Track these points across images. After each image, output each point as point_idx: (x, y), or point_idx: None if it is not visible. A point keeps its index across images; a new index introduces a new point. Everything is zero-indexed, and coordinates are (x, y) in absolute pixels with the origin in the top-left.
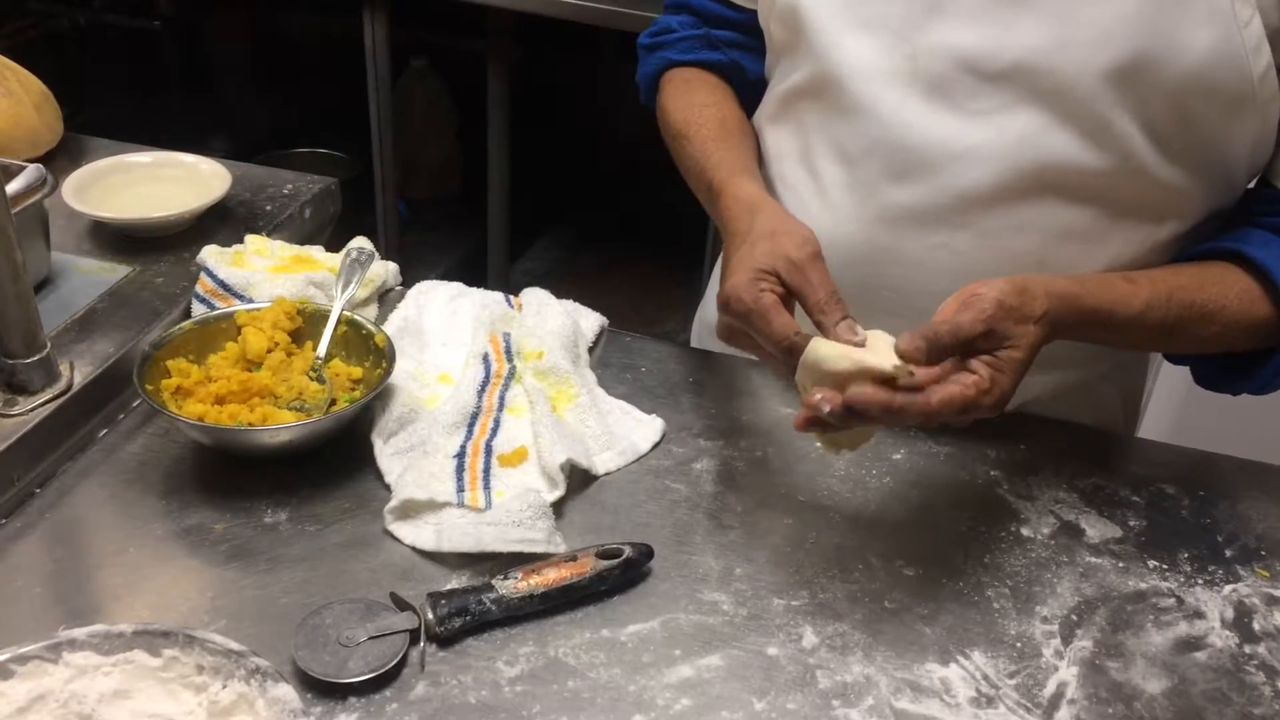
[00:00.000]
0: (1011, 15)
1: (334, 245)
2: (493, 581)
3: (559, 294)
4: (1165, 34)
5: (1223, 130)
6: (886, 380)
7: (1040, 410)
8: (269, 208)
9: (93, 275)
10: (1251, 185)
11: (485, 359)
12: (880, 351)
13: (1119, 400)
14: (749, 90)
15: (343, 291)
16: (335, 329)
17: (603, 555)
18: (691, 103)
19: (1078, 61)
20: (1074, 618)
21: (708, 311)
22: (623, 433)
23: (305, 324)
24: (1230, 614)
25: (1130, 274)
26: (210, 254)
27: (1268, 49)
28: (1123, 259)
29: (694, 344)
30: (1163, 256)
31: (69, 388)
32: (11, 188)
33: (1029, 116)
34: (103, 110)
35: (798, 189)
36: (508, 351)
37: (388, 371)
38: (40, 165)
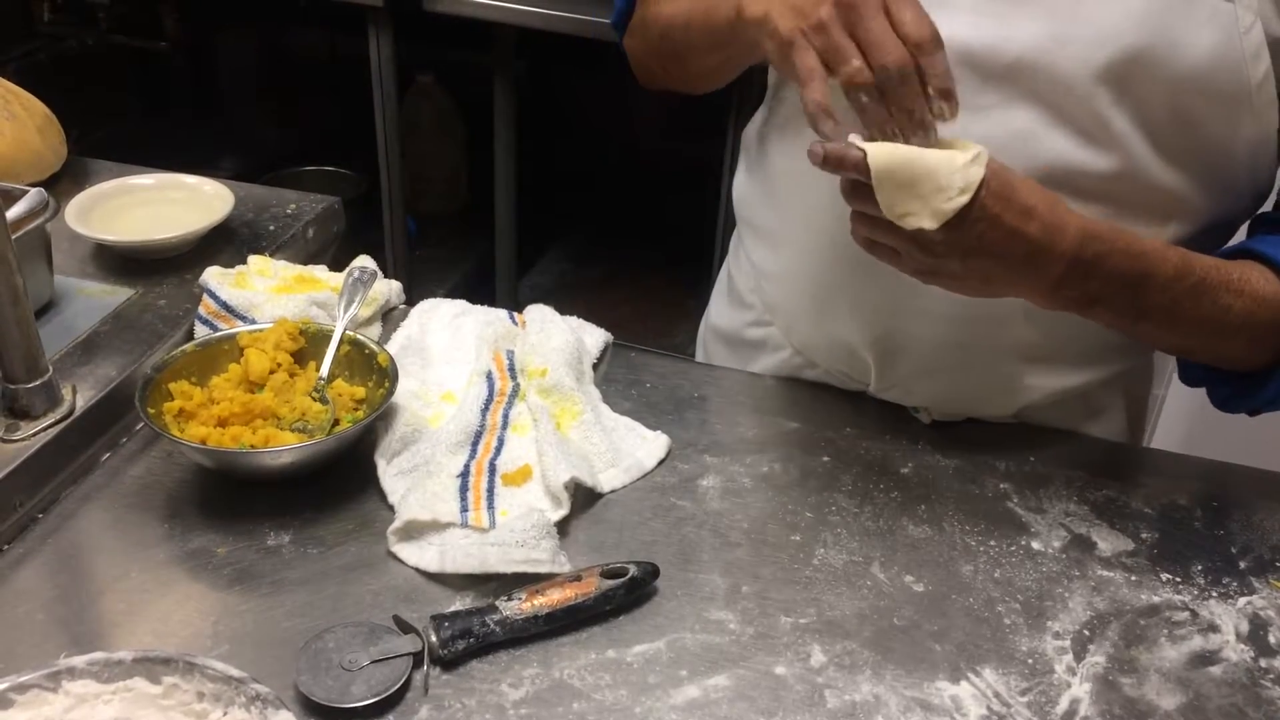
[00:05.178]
0: (1014, 10)
1: (342, 261)
2: (497, 603)
3: (567, 306)
4: (1166, 34)
5: (1221, 134)
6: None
7: (1040, 417)
8: (272, 228)
9: (95, 298)
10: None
11: (489, 377)
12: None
13: (1123, 410)
14: None
15: (345, 311)
16: (338, 349)
17: (608, 574)
18: None
19: (1076, 60)
20: (1086, 633)
21: (712, 321)
22: (627, 450)
23: (308, 344)
24: (1245, 627)
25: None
26: (213, 275)
27: (1267, 56)
28: None
29: (699, 357)
30: None
31: (71, 412)
32: (13, 212)
33: (1028, 114)
34: (111, 131)
35: (795, 187)
36: (511, 369)
37: (390, 391)
38: (42, 189)
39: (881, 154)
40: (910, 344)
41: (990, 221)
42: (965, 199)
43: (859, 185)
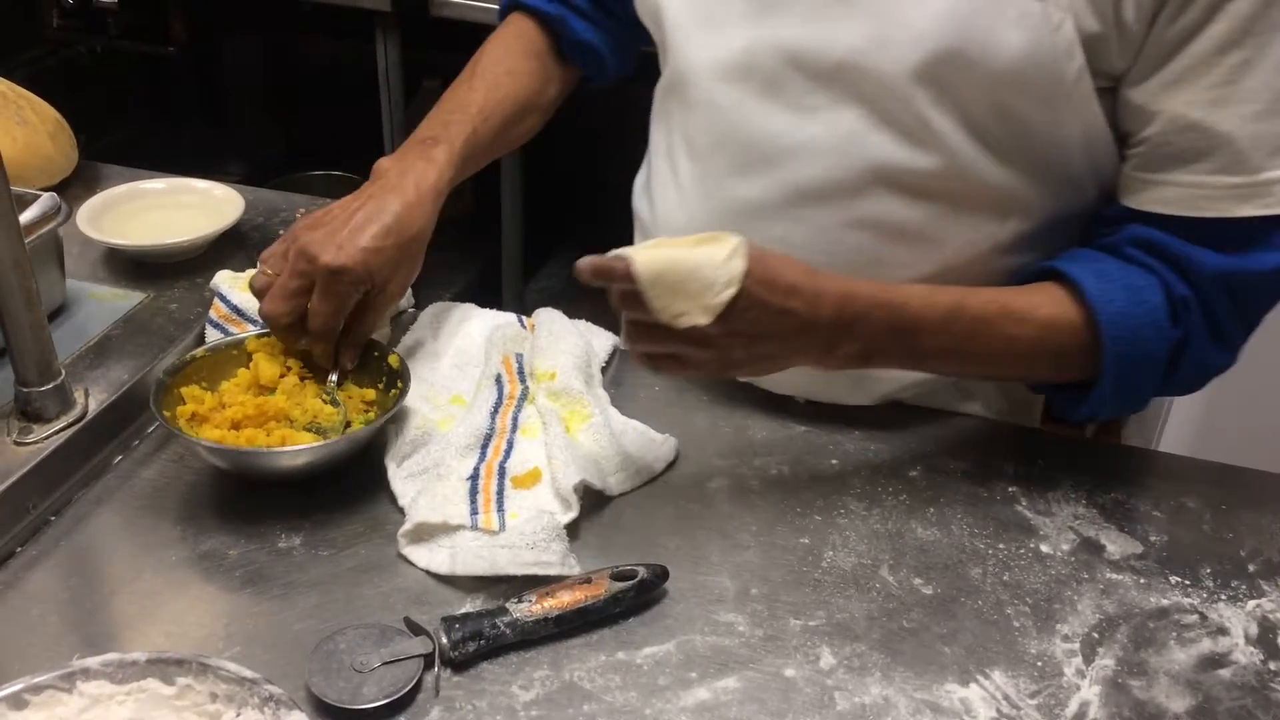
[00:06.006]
0: (839, 14)
1: None
2: (507, 605)
3: (574, 310)
4: (976, 34)
5: (1046, 130)
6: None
7: (911, 402)
8: (282, 232)
9: (107, 302)
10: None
11: (498, 380)
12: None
13: (998, 390)
14: (575, 50)
15: None
16: None
17: (617, 577)
18: (494, 66)
19: (893, 61)
20: (1095, 635)
21: None
22: (636, 453)
23: None
24: (1255, 630)
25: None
26: (224, 279)
27: (1080, 52)
28: (961, 257)
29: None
30: (1005, 256)
31: (84, 415)
32: (25, 216)
33: (853, 114)
34: (120, 137)
35: (663, 184)
36: (520, 372)
37: (403, 392)
38: (54, 194)
39: (647, 260)
40: None
41: (760, 307)
42: (733, 291)
43: (629, 293)
